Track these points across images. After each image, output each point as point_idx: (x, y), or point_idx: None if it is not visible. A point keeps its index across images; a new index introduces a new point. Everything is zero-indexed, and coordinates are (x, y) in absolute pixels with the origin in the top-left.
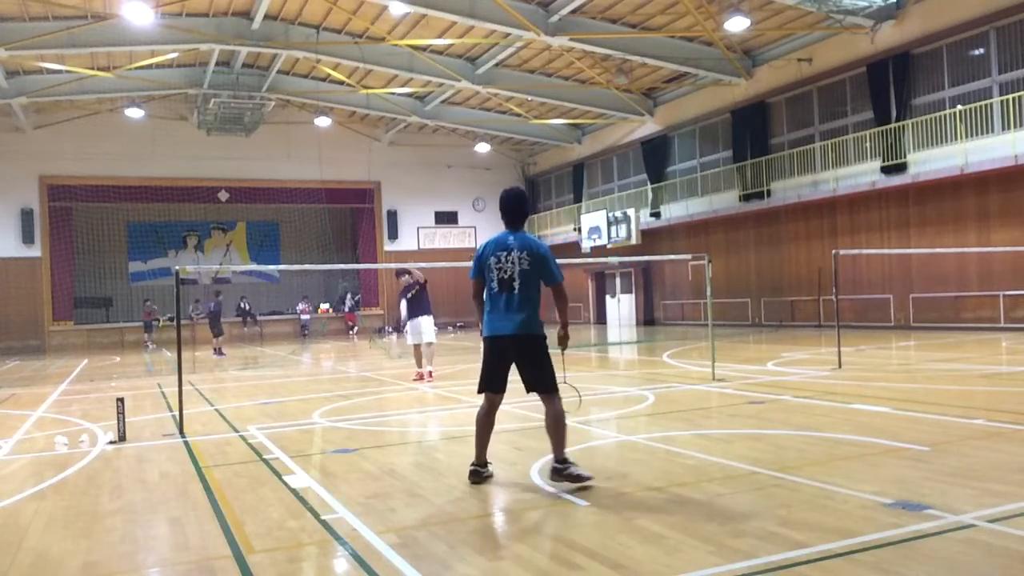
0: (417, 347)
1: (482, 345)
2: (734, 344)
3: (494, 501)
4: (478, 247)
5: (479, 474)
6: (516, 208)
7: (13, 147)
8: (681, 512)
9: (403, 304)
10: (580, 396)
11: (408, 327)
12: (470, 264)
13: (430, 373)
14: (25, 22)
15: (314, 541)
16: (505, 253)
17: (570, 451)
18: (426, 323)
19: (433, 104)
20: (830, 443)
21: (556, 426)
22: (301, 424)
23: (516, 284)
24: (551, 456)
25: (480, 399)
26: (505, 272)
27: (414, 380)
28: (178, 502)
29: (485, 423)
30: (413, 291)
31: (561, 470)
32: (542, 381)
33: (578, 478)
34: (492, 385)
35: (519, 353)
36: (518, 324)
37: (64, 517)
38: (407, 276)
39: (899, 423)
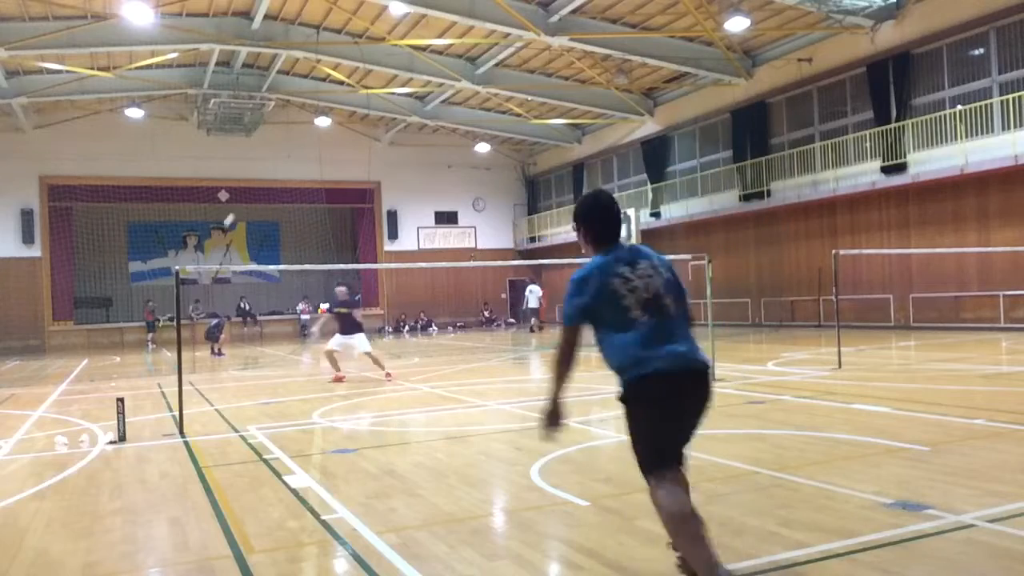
0: (331, 352)
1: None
2: (734, 344)
3: (494, 501)
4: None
5: None
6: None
7: (13, 147)
8: None
9: (327, 315)
10: None
11: (339, 340)
12: (470, 263)
13: (388, 374)
14: (25, 22)
15: (314, 541)
16: (629, 268)
17: (571, 451)
18: (361, 339)
19: (433, 104)
20: (830, 443)
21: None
22: (301, 424)
23: (667, 301)
24: (551, 456)
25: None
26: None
27: (332, 381)
28: (178, 502)
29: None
30: (344, 309)
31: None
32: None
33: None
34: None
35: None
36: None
37: (64, 517)
38: (345, 289)
39: (899, 423)
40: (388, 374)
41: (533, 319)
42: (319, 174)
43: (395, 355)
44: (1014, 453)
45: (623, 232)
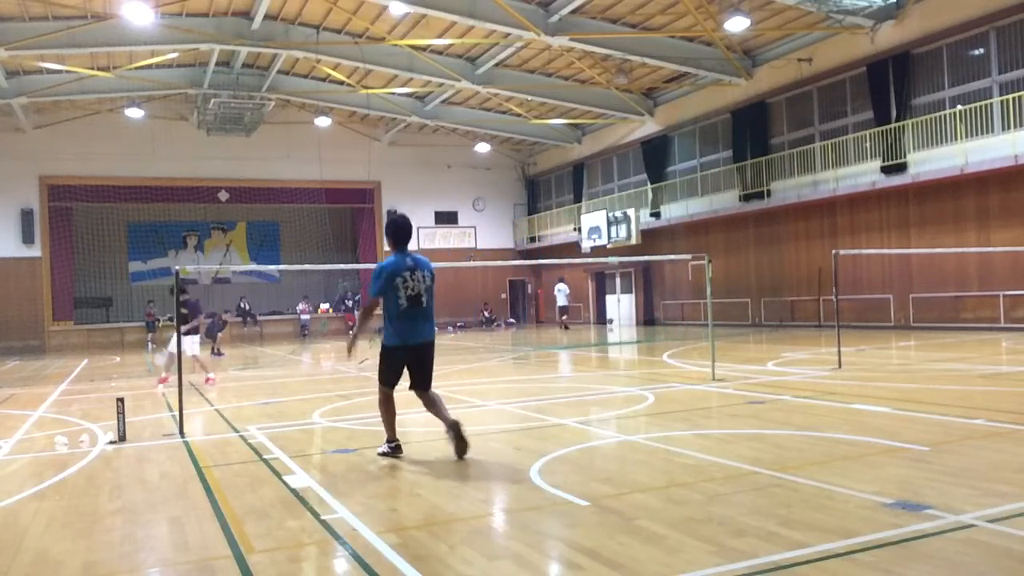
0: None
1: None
2: (734, 344)
3: (494, 501)
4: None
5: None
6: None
7: (13, 147)
8: (681, 512)
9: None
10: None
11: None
12: (470, 264)
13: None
14: (25, 22)
15: (314, 541)
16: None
17: (570, 451)
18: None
19: (433, 104)
20: (830, 443)
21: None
22: (301, 424)
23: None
24: (551, 456)
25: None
26: (413, 289)
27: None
28: (178, 502)
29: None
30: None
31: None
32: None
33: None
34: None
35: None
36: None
37: (64, 517)
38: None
39: (899, 423)
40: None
41: (564, 316)
42: (319, 174)
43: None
44: (1014, 453)
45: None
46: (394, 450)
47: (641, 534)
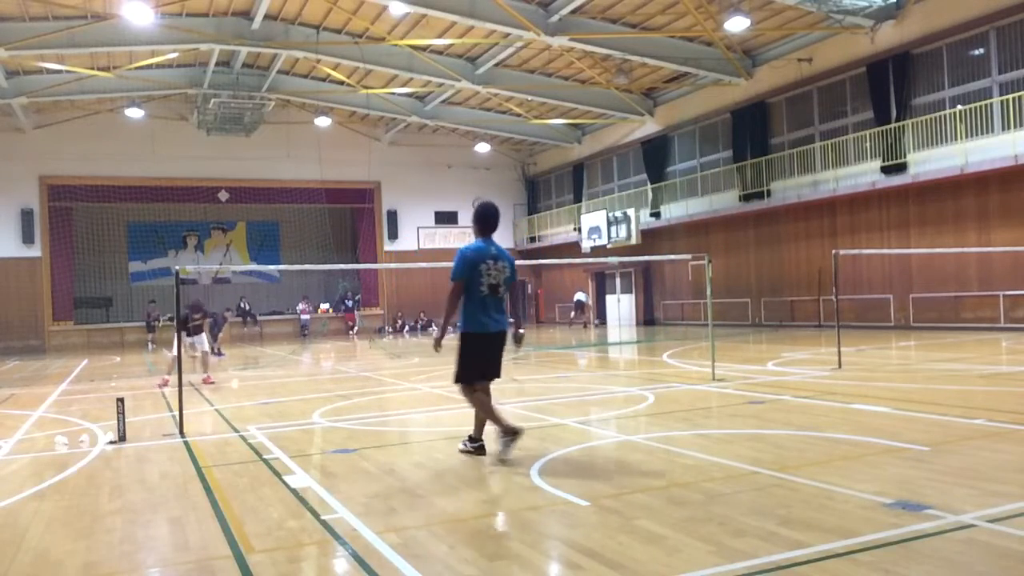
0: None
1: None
2: (734, 344)
3: (494, 501)
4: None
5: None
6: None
7: (13, 147)
8: (681, 512)
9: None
10: None
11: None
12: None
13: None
14: (25, 22)
15: (314, 541)
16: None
17: (571, 451)
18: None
19: (433, 104)
20: (830, 443)
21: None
22: (301, 424)
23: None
24: (551, 456)
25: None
26: (494, 278)
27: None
28: (178, 502)
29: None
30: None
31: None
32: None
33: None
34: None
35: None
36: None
37: (64, 517)
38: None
39: (899, 423)
40: (165, 381)
41: (584, 316)
42: (319, 174)
43: (395, 355)
44: (1014, 453)
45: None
46: (477, 449)
47: (641, 534)
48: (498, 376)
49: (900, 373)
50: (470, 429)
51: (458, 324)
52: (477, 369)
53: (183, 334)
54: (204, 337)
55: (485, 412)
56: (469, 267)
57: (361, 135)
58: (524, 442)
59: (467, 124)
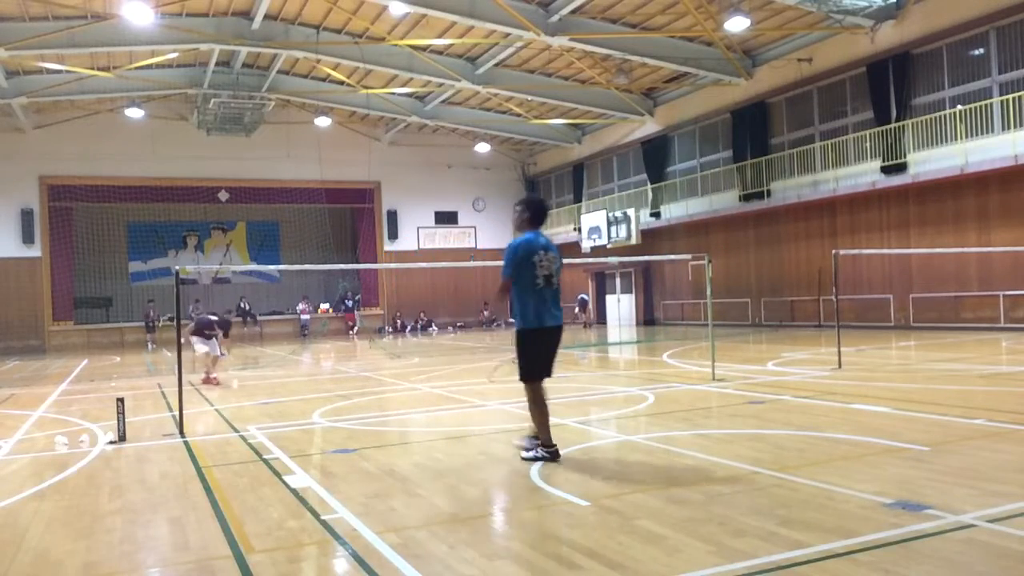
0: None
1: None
2: (734, 344)
3: (494, 501)
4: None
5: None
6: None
7: (13, 147)
8: (681, 512)
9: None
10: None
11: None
12: (470, 263)
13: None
14: (25, 22)
15: (314, 541)
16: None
17: (571, 451)
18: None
19: (433, 104)
20: (830, 443)
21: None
22: (301, 424)
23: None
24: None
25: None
26: (547, 269)
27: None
28: (178, 502)
29: None
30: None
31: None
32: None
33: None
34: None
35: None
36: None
37: (64, 517)
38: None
39: (899, 423)
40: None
41: (585, 317)
42: (319, 174)
43: (395, 355)
44: (1014, 453)
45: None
46: (552, 455)
47: (641, 534)
48: (549, 375)
49: (900, 373)
50: (470, 428)
51: (514, 321)
52: (539, 366)
53: (198, 338)
54: (216, 341)
55: (540, 416)
56: (522, 260)
57: (361, 135)
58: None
59: (467, 124)
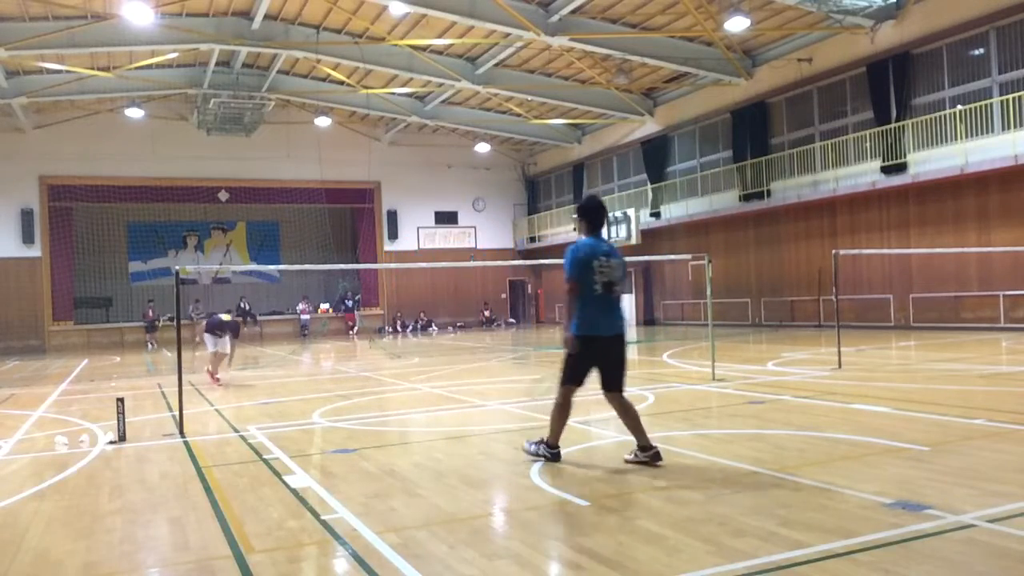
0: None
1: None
2: (734, 344)
3: (494, 501)
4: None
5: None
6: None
7: (13, 147)
8: (681, 512)
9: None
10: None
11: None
12: (470, 263)
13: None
14: (25, 22)
15: (314, 541)
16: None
17: (571, 451)
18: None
19: (433, 104)
20: (830, 443)
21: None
22: (301, 424)
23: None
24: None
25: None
26: (607, 276)
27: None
28: (178, 502)
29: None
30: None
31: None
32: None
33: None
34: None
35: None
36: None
37: (64, 517)
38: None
39: (899, 423)
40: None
41: None
42: (319, 174)
43: (395, 355)
44: (1014, 453)
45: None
46: (554, 456)
47: (641, 534)
48: (618, 388)
49: (900, 373)
50: (470, 428)
51: (571, 326)
52: (582, 373)
53: (213, 336)
54: (228, 339)
55: (560, 421)
56: (582, 265)
57: (361, 135)
58: (524, 442)
59: (467, 124)
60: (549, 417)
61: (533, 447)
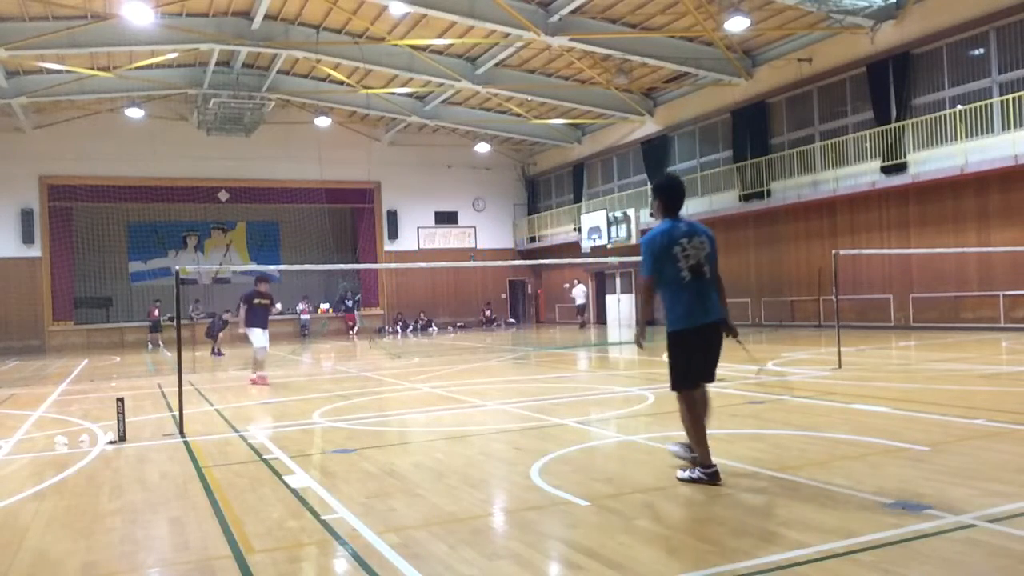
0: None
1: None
2: (734, 344)
3: (494, 501)
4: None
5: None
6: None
7: (13, 147)
8: (681, 512)
9: (243, 308)
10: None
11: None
12: (470, 263)
13: (263, 378)
14: (25, 22)
15: (314, 541)
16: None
17: (571, 451)
18: (257, 334)
19: (433, 104)
20: (830, 443)
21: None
22: (301, 424)
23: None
24: (551, 456)
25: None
26: (693, 258)
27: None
28: (178, 502)
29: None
30: (257, 301)
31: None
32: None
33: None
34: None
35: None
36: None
37: (64, 517)
38: (265, 285)
39: (899, 423)
40: (261, 378)
41: (581, 316)
42: (319, 174)
43: (395, 355)
44: (1014, 453)
45: (623, 231)
46: (711, 476)
47: (641, 534)
48: (710, 380)
49: (900, 373)
50: (470, 428)
51: (665, 323)
52: (696, 370)
53: (263, 330)
54: (264, 334)
55: (696, 431)
56: (661, 254)
57: (361, 135)
58: (524, 442)
59: (467, 124)
60: (686, 435)
61: (686, 472)
